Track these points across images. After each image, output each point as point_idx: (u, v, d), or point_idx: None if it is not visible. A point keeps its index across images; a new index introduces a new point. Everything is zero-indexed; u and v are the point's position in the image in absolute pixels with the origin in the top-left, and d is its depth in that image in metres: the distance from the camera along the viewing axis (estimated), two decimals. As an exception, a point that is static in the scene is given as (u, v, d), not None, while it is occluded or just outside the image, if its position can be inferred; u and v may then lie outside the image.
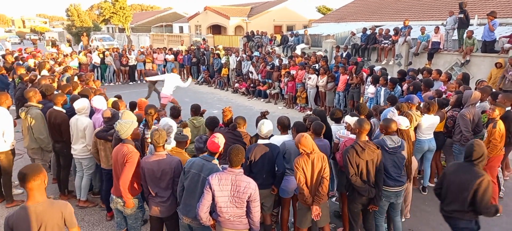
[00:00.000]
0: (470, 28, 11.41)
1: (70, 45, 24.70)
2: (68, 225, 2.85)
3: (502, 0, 15.99)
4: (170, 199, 3.79)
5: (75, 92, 6.64)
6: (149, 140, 4.89)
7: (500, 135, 5.18)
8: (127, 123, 3.96)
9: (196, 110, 5.82)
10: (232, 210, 3.32)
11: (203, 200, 3.29)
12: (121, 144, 3.93)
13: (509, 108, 5.56)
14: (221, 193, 3.27)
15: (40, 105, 5.66)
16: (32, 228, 2.63)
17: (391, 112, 4.87)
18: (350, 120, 4.64)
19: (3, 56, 14.08)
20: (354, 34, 14.67)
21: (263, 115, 5.01)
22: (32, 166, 2.88)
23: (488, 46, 10.51)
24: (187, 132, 4.24)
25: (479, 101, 5.98)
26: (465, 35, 10.99)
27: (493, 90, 6.80)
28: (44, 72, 9.69)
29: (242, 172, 3.36)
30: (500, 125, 5.21)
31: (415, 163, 5.10)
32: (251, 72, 14.55)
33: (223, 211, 3.32)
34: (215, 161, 3.56)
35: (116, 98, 6.40)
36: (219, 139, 3.58)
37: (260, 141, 4.19)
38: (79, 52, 18.01)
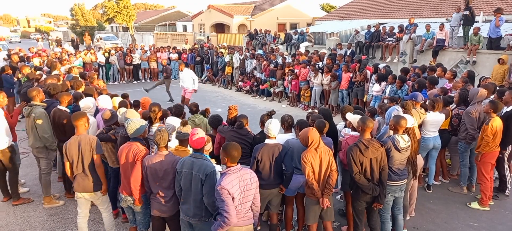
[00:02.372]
0: (475, 24, 11.31)
1: (72, 45, 24.77)
2: (93, 151, 4.25)
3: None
4: (172, 199, 3.79)
5: (79, 91, 6.67)
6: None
7: (492, 132, 5.13)
8: (139, 122, 4.00)
9: (195, 109, 5.83)
10: (245, 205, 3.37)
11: (229, 206, 3.20)
12: (130, 143, 3.95)
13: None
14: (234, 192, 3.25)
15: (44, 104, 5.68)
16: (75, 147, 4.22)
17: (396, 111, 4.85)
18: (351, 117, 4.63)
19: (9, 55, 14.17)
20: (358, 32, 14.62)
21: (269, 114, 4.98)
22: (80, 112, 4.51)
23: (494, 43, 10.42)
24: (187, 129, 4.24)
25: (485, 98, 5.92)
26: (471, 32, 10.90)
27: (498, 87, 6.74)
28: (55, 72, 9.72)
29: (241, 167, 3.38)
30: (494, 122, 5.14)
31: (421, 161, 5.07)
32: (255, 68, 14.56)
33: (238, 209, 3.32)
34: (204, 156, 3.54)
35: (121, 98, 6.42)
36: (200, 133, 3.53)
37: (267, 141, 4.17)
38: (83, 50, 18.11)
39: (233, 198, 3.21)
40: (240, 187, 3.28)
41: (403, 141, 4.17)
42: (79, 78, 8.19)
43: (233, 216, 3.20)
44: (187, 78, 11.03)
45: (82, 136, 4.25)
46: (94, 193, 4.38)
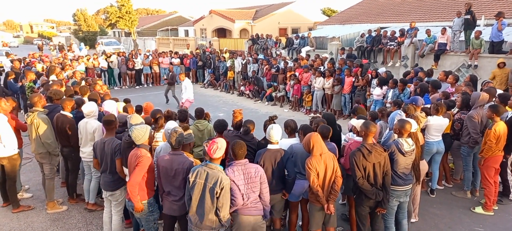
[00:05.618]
0: (477, 28, 11.31)
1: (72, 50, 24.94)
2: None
3: (509, 0, 15.85)
4: (183, 198, 3.82)
5: (84, 97, 6.70)
6: (156, 142, 4.93)
7: (495, 136, 5.11)
8: (143, 129, 3.97)
9: (200, 114, 5.84)
10: (251, 195, 3.64)
11: (235, 192, 3.59)
12: (136, 148, 3.95)
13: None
14: (238, 182, 3.58)
15: (46, 110, 5.68)
16: (102, 149, 4.52)
17: (399, 115, 4.84)
18: (355, 122, 4.62)
19: (12, 61, 14.26)
20: (364, 35, 14.63)
21: (272, 119, 4.99)
22: (111, 115, 4.77)
23: (496, 47, 10.42)
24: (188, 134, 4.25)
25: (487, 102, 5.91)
26: (472, 35, 10.91)
27: (500, 91, 6.73)
28: (53, 77, 9.79)
29: (248, 161, 3.69)
30: (497, 126, 5.13)
31: (424, 166, 5.05)
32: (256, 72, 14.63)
33: (244, 198, 3.62)
34: (219, 167, 3.56)
35: (124, 103, 6.45)
36: (220, 143, 3.57)
37: (269, 146, 4.17)
38: (86, 56, 18.19)
39: (238, 187, 3.56)
40: (245, 178, 3.60)
41: (407, 144, 4.16)
42: (82, 84, 8.25)
43: (239, 198, 3.58)
44: (189, 88, 11.03)
45: (111, 139, 4.45)
46: (112, 191, 4.52)
